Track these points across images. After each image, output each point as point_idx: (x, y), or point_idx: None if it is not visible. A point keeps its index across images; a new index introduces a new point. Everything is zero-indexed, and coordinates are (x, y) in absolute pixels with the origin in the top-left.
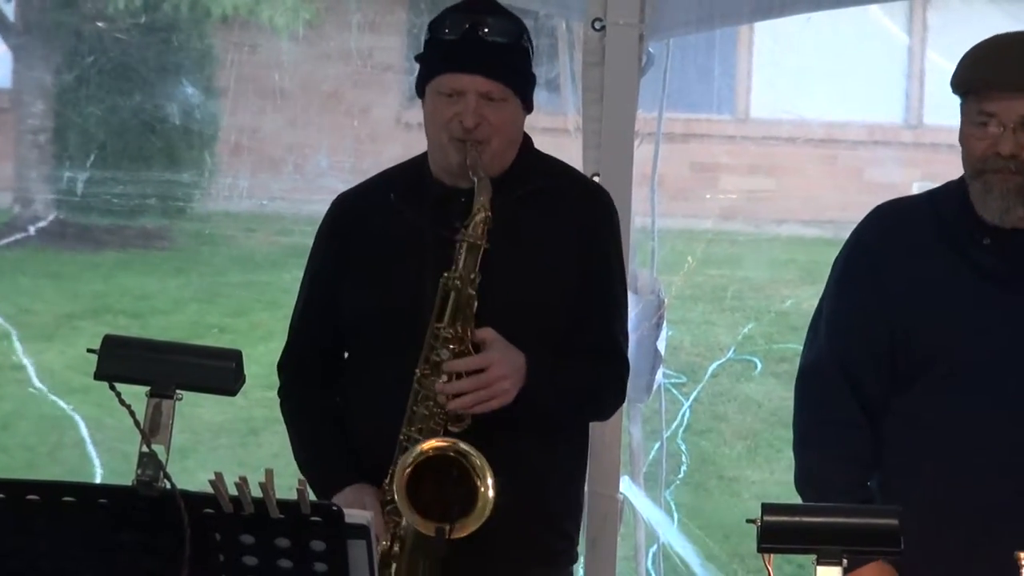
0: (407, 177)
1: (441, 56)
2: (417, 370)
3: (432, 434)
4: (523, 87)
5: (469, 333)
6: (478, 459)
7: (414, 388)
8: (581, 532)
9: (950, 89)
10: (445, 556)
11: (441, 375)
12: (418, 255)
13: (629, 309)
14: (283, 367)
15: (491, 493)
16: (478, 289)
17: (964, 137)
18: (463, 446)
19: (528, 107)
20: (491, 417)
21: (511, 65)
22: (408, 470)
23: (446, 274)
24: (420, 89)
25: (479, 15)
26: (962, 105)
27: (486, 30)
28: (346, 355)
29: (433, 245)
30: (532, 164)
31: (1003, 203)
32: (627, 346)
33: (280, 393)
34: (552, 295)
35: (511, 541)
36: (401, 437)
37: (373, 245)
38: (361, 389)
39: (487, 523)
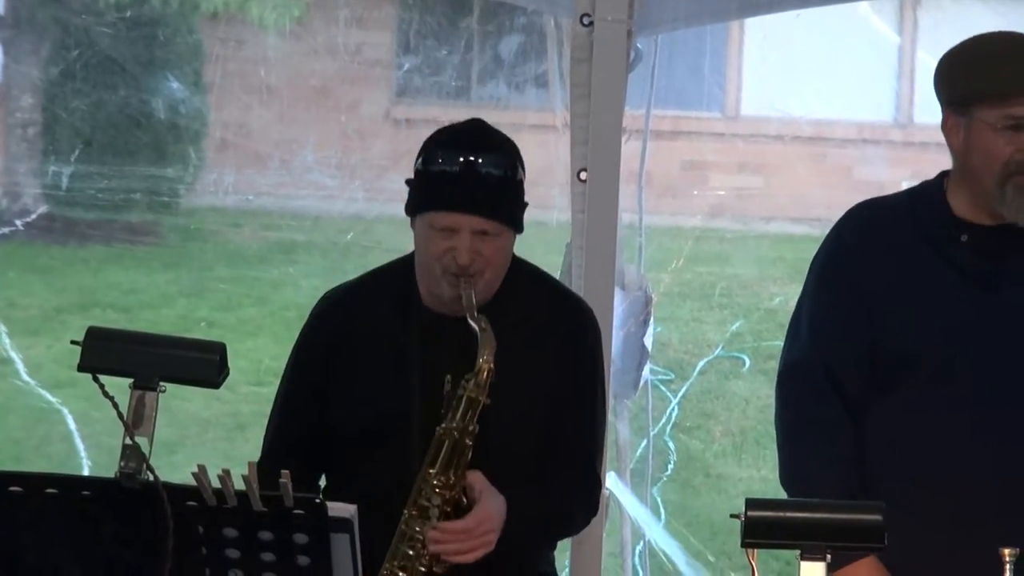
0: (395, 292)
1: (435, 192)
2: (405, 511)
3: (415, 574)
4: (516, 218)
5: (460, 480)
6: None
7: (400, 528)
8: None
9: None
10: None
11: (429, 520)
12: (404, 378)
13: (616, 305)
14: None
15: None
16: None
17: (984, 141)
18: None
19: (519, 230)
20: None
21: (506, 201)
22: None
23: (443, 425)
24: (410, 212)
25: (473, 150)
26: (968, 109)
27: (480, 163)
28: (328, 461)
29: (419, 371)
30: (517, 286)
31: None
32: (601, 465)
33: None
34: (535, 422)
35: None
36: (383, 571)
37: (360, 360)
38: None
39: None
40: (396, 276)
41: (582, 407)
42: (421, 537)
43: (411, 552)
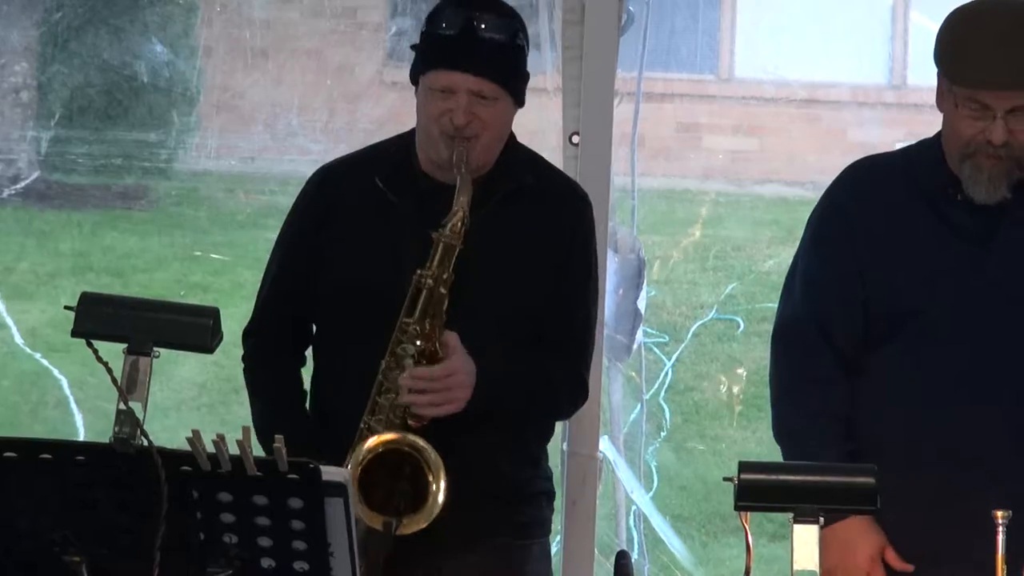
0: (394, 161)
1: (436, 52)
2: (383, 361)
3: (392, 426)
4: (515, 86)
5: (436, 331)
6: (432, 455)
7: (378, 379)
8: (560, 493)
9: (934, 60)
10: (392, 551)
11: (404, 371)
12: (398, 244)
13: (608, 267)
14: (249, 334)
15: (442, 492)
16: (452, 287)
17: (952, 117)
18: (419, 442)
19: (520, 103)
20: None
21: (505, 64)
22: (361, 463)
23: (420, 271)
24: (414, 78)
25: (476, 12)
26: (947, 81)
27: (482, 27)
28: (315, 328)
29: (414, 237)
30: (515, 162)
31: (991, 185)
32: (592, 353)
33: (244, 360)
34: (524, 296)
35: (464, 518)
36: (362, 425)
37: (354, 226)
38: (329, 368)
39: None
40: (396, 146)
41: (573, 287)
42: (396, 387)
43: (388, 404)
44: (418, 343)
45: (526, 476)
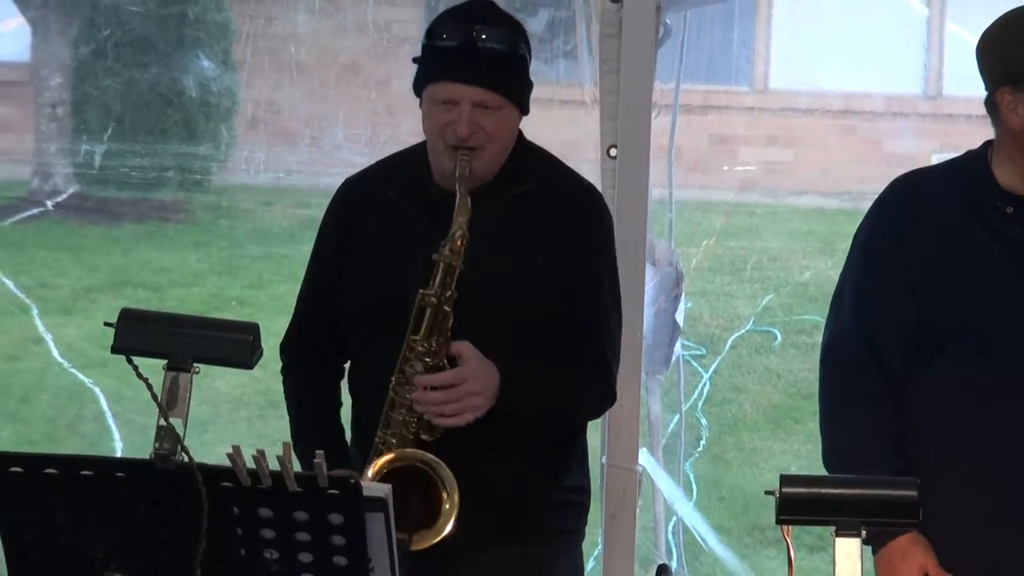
0: (408, 172)
1: (437, 64)
2: (392, 378)
3: (404, 441)
4: (518, 94)
5: (444, 348)
6: (444, 471)
7: (389, 395)
8: (599, 506)
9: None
10: (407, 567)
11: (414, 387)
12: (410, 255)
13: (647, 281)
14: (285, 348)
15: (455, 509)
16: (464, 293)
17: None
18: (430, 457)
19: (524, 111)
20: (463, 429)
21: (506, 74)
22: (376, 479)
23: (422, 291)
24: (417, 91)
25: (476, 24)
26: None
27: (483, 38)
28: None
29: (425, 247)
30: (524, 164)
31: None
32: (616, 353)
33: (282, 372)
34: (536, 301)
35: (480, 524)
36: (376, 440)
37: (370, 238)
38: (353, 378)
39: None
40: (411, 158)
41: (586, 286)
42: (408, 403)
43: (400, 419)
44: (427, 360)
45: (547, 482)
